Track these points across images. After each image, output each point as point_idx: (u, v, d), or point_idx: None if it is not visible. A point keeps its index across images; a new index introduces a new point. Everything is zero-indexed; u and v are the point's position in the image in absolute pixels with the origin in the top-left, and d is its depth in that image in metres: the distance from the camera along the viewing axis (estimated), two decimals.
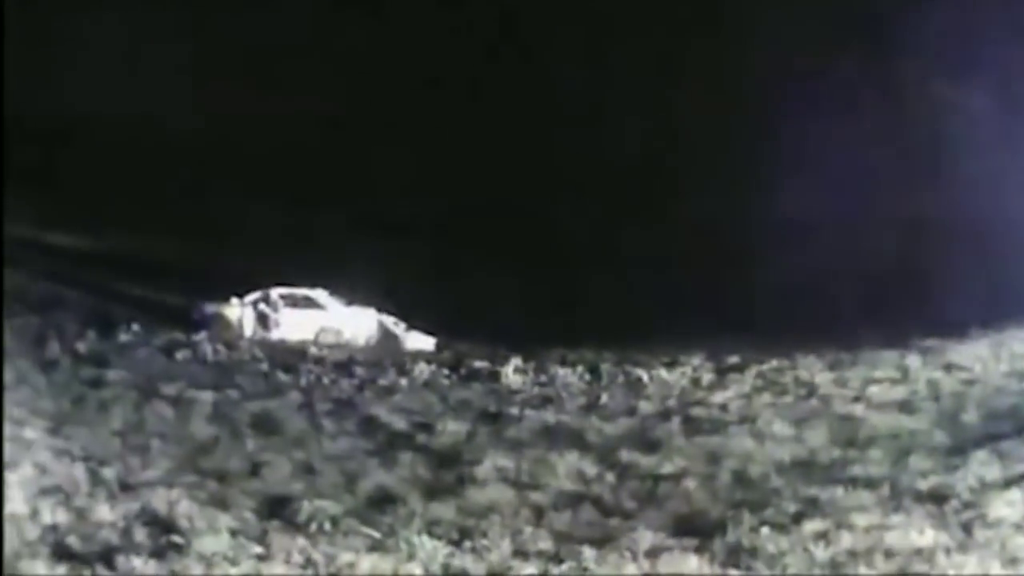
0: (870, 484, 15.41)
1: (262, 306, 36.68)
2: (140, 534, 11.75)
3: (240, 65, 52.59)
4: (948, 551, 11.72)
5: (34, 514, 11.45)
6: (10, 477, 12.24)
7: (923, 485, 15.02)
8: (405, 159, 50.44)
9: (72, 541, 11.12)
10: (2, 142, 36.63)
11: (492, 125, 49.91)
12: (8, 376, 19.19)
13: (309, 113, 51.52)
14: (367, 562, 11.80)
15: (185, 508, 12.88)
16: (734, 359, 30.07)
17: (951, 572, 11.16)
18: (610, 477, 17.21)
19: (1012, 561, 11.28)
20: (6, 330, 24.84)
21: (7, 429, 14.39)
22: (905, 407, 21.58)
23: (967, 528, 12.63)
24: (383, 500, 15.08)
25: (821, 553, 12.08)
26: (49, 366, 23.30)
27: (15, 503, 11.54)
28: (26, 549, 10.57)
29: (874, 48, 46.21)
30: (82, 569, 10.39)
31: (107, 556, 10.89)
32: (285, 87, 52.35)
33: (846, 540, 12.52)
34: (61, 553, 10.77)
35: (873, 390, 23.72)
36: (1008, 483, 14.43)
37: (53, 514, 11.63)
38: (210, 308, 36.33)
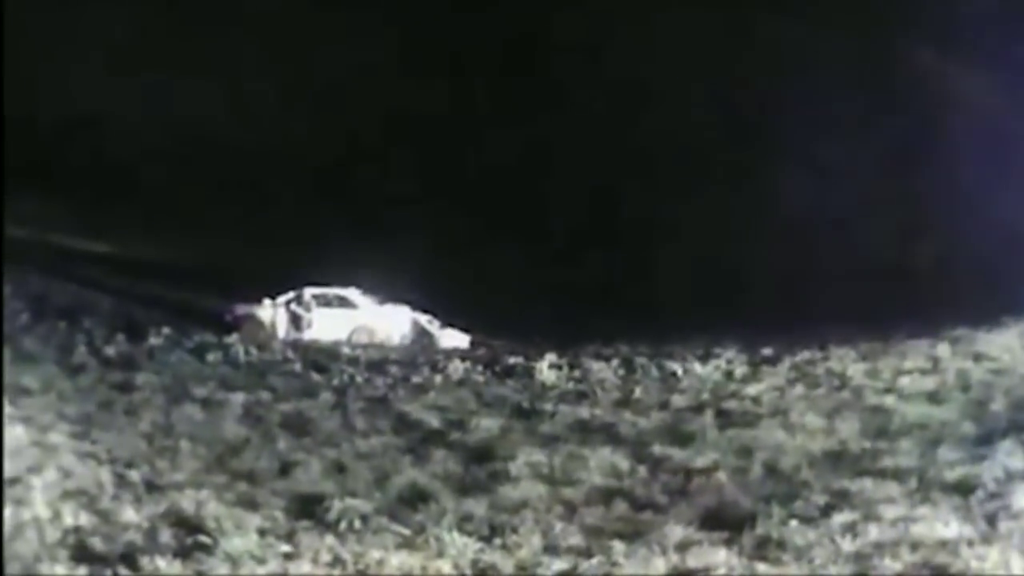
0: (898, 475, 15.42)
1: (295, 306, 36.81)
2: (165, 535, 11.77)
3: (266, 63, 52.78)
4: (971, 543, 11.70)
5: (56, 516, 11.47)
6: (33, 481, 12.28)
7: (950, 476, 14.99)
8: (442, 156, 50.54)
9: (94, 542, 11.14)
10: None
11: (528, 122, 49.93)
12: (34, 382, 19.32)
13: (341, 108, 51.63)
14: (396, 559, 11.84)
15: (213, 509, 12.90)
16: (767, 351, 30.05)
17: (973, 564, 11.12)
18: (642, 471, 17.21)
19: None
20: (32, 336, 25.03)
21: (31, 434, 14.48)
22: (934, 397, 21.57)
23: (991, 520, 12.61)
24: (414, 498, 15.07)
25: (848, 545, 12.08)
26: (76, 371, 23.36)
27: (37, 507, 11.57)
28: (45, 551, 10.60)
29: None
30: (103, 570, 10.43)
31: (130, 557, 10.92)
32: (314, 82, 52.46)
33: (873, 532, 12.52)
34: (82, 555, 10.79)
35: (904, 380, 23.70)
36: None
37: (76, 517, 11.63)
38: (242, 309, 36.49)
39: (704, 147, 47.83)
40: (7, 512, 11.11)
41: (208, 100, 50.30)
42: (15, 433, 13.97)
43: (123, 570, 10.56)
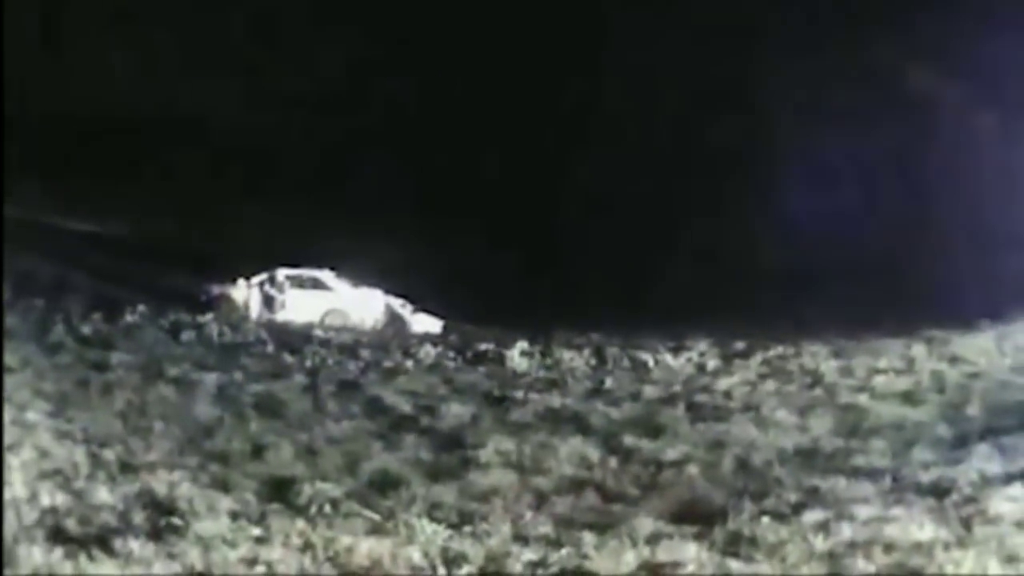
0: (872, 475, 15.42)
1: (268, 287, 36.71)
2: (139, 516, 11.67)
3: (243, 48, 52.72)
4: (947, 546, 11.67)
5: (33, 497, 11.39)
6: (11, 460, 12.20)
7: (925, 478, 14.97)
8: (412, 139, 50.45)
9: (70, 524, 11.07)
10: (2, 138, 36.66)
11: (497, 105, 49.91)
12: (12, 359, 19.21)
13: (315, 92, 51.59)
14: (366, 545, 11.77)
15: (185, 490, 12.82)
16: (740, 345, 30.11)
17: (949, 568, 11.10)
18: (613, 462, 17.18)
19: (1010, 559, 11.21)
20: (12, 313, 24.92)
21: (10, 413, 14.38)
22: (909, 398, 21.61)
23: (966, 523, 12.58)
24: (385, 483, 15.00)
25: (820, 544, 12.04)
26: (53, 348, 23.25)
27: (15, 487, 11.49)
28: (23, 532, 10.53)
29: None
30: (78, 551, 10.36)
31: (104, 538, 10.85)
32: (289, 65, 52.40)
33: (846, 531, 12.48)
34: (58, 536, 10.72)
35: (878, 380, 23.78)
36: (1009, 478, 14.37)
37: (52, 497, 11.55)
38: (216, 289, 36.35)
39: (681, 139, 47.84)
40: None
41: (188, 82, 50.18)
42: None
43: (97, 552, 10.47)
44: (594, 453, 17.61)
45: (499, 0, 51.11)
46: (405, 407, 21.33)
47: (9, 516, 10.74)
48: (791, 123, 43.21)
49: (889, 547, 11.77)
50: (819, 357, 27.43)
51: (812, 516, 13.27)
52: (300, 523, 12.32)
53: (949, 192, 40.24)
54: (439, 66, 51.37)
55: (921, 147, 43.92)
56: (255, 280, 36.71)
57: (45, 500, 11.44)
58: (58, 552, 10.28)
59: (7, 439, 12.94)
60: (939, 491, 14.20)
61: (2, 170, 34.95)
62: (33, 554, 10.16)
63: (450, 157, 49.48)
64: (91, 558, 10.27)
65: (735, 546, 12.31)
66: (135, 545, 10.75)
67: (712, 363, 27.98)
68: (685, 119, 48.23)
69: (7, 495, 11.17)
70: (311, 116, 51.31)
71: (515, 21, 50.44)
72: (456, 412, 20.91)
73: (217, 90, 50.84)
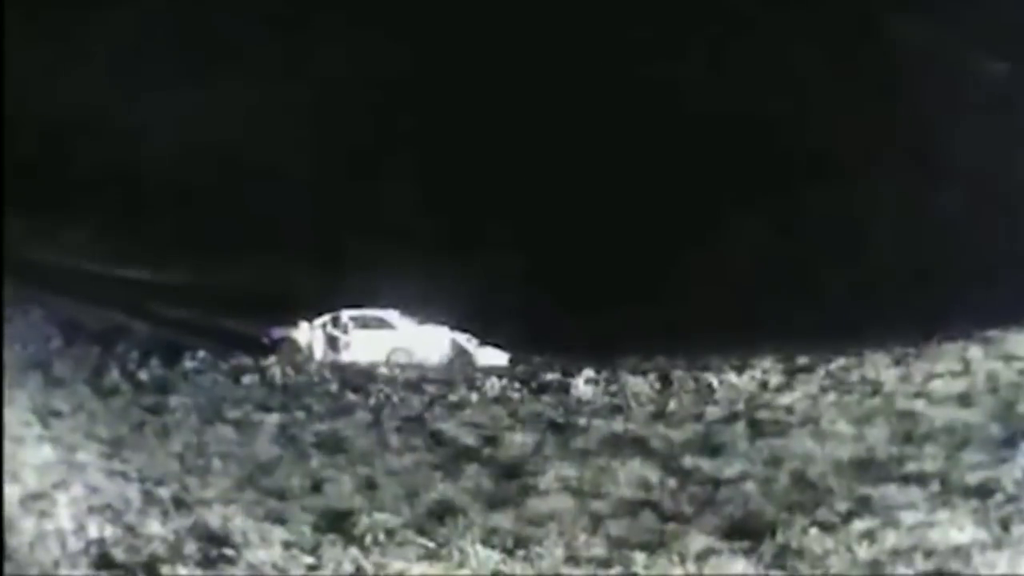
0: (922, 480, 15.48)
1: (332, 328, 36.87)
2: (190, 547, 11.83)
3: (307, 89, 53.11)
4: (983, 548, 11.75)
5: (80, 529, 11.53)
6: (58, 497, 12.38)
7: (971, 479, 15.04)
8: (477, 176, 50.62)
9: (116, 552, 11.19)
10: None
11: (559, 133, 49.97)
12: (64, 405, 19.49)
13: (377, 130, 51.86)
14: (418, 570, 11.97)
15: (239, 523, 12.99)
16: (804, 360, 30.02)
17: (983, 571, 11.18)
18: (671, 483, 17.29)
19: None
20: (64, 360, 25.23)
21: (58, 453, 14.60)
22: (964, 400, 21.54)
23: (1005, 524, 12.65)
24: (442, 512, 15.21)
25: (864, 553, 12.14)
26: (109, 394, 23.44)
27: (61, 519, 11.66)
28: (66, 559, 10.72)
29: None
30: None
31: (152, 566, 11.02)
32: (347, 104, 52.72)
33: (890, 539, 12.58)
34: (103, 563, 10.88)
35: (935, 384, 23.67)
36: None
37: (100, 529, 11.67)
38: (279, 332, 36.54)
39: (733, 155, 47.73)
40: (29, 524, 11.23)
41: (242, 125, 50.51)
42: (42, 453, 14.10)
43: None
44: (653, 475, 17.71)
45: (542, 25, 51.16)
46: (468, 439, 21.50)
47: (51, 544, 10.92)
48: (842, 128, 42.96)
49: (929, 552, 11.87)
50: (879, 366, 27.30)
51: (860, 525, 13.41)
52: (353, 551, 12.51)
53: (1003, 190, 39.97)
54: (493, 103, 51.52)
55: (969, 149, 43.53)
56: (318, 322, 36.90)
57: (93, 532, 11.57)
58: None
59: (54, 477, 13.14)
60: (984, 492, 14.26)
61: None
62: None
63: (513, 190, 49.57)
64: None
65: (781, 559, 12.44)
66: (183, 572, 10.93)
67: (775, 379, 27.84)
68: (735, 131, 48.04)
69: (49, 527, 11.34)
70: (374, 156, 51.62)
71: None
72: (519, 441, 21.05)
73: (279, 127, 51.20)
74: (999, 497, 13.86)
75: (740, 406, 24.68)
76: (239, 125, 50.71)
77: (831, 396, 24.41)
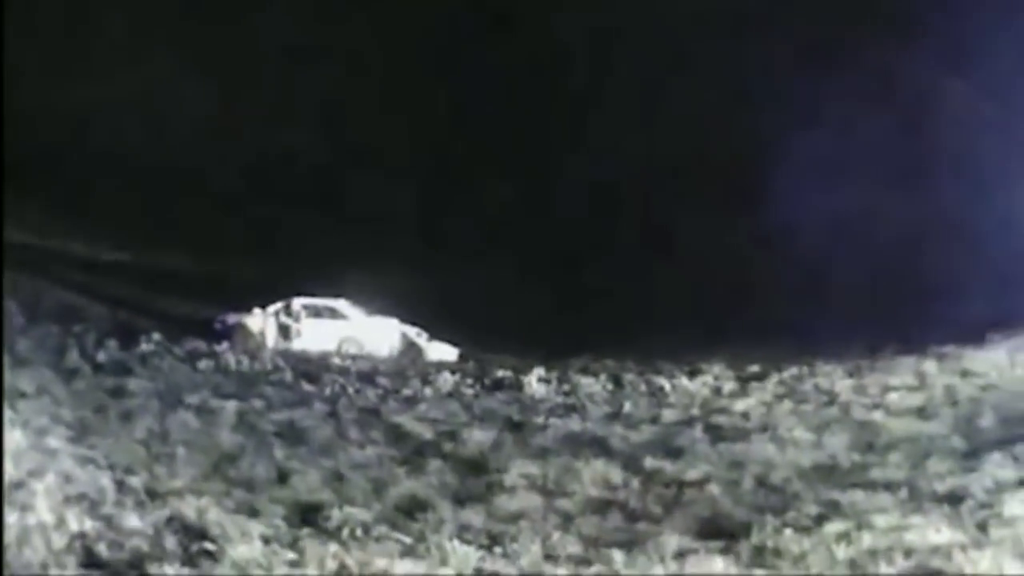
0: (889, 487, 15.71)
1: (283, 316, 36.79)
2: (171, 542, 11.74)
3: (263, 71, 52.96)
4: (964, 548, 11.96)
5: (61, 523, 11.44)
6: (35, 486, 12.25)
7: (940, 487, 15.30)
8: (434, 169, 50.65)
9: (101, 549, 11.13)
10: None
11: (523, 134, 50.04)
12: (30, 386, 19.29)
13: (333, 118, 51.78)
14: (401, 567, 11.98)
15: (215, 516, 12.91)
16: (755, 368, 30.30)
17: (967, 568, 11.39)
18: (635, 483, 17.40)
19: None
20: (28, 340, 24.98)
21: (29, 438, 14.43)
22: (922, 413, 21.92)
23: (982, 527, 12.89)
24: (412, 507, 15.18)
25: (843, 552, 12.31)
26: (70, 375, 23.21)
27: (41, 512, 11.54)
28: (53, 558, 10.62)
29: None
30: None
31: (138, 564, 10.96)
32: (308, 91, 52.59)
33: (867, 540, 12.77)
34: (90, 561, 10.82)
35: (891, 396, 24.02)
36: (1022, 483, 14.68)
37: (80, 522, 11.59)
38: (232, 318, 36.44)
39: (696, 162, 47.99)
40: (12, 518, 11.13)
41: (202, 109, 50.24)
42: (14, 437, 13.89)
43: None
44: (616, 475, 17.80)
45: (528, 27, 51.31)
46: (427, 434, 21.45)
47: (37, 541, 10.84)
48: (801, 137, 43.23)
49: (909, 552, 12.05)
50: (833, 376, 27.65)
51: (833, 527, 13.58)
52: (333, 547, 12.50)
53: (959, 206, 40.36)
54: (460, 91, 51.58)
55: (935, 162, 44.00)
56: (271, 309, 36.79)
57: (74, 526, 11.50)
58: None
59: (29, 464, 13.02)
60: (954, 499, 14.53)
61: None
62: None
63: (468, 183, 49.57)
64: None
65: (760, 558, 12.59)
66: (170, 570, 10.90)
67: (728, 386, 28.16)
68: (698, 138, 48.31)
69: (32, 520, 11.23)
70: (330, 143, 51.47)
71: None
72: (478, 438, 21.03)
73: (239, 113, 50.96)
74: (971, 503, 14.13)
75: (695, 410, 24.92)
76: (196, 106, 50.47)
77: (786, 404, 24.73)
